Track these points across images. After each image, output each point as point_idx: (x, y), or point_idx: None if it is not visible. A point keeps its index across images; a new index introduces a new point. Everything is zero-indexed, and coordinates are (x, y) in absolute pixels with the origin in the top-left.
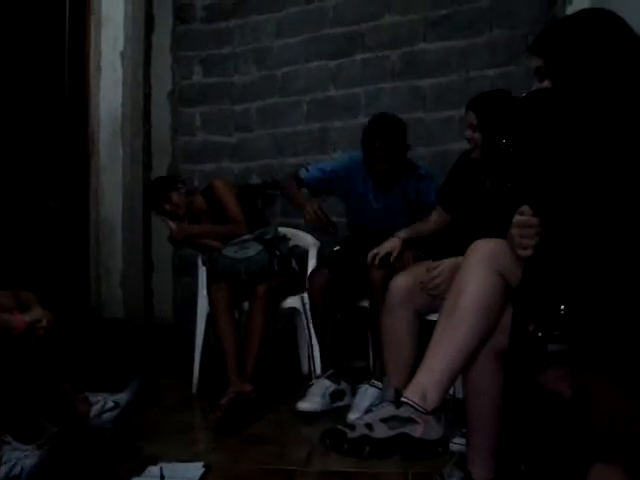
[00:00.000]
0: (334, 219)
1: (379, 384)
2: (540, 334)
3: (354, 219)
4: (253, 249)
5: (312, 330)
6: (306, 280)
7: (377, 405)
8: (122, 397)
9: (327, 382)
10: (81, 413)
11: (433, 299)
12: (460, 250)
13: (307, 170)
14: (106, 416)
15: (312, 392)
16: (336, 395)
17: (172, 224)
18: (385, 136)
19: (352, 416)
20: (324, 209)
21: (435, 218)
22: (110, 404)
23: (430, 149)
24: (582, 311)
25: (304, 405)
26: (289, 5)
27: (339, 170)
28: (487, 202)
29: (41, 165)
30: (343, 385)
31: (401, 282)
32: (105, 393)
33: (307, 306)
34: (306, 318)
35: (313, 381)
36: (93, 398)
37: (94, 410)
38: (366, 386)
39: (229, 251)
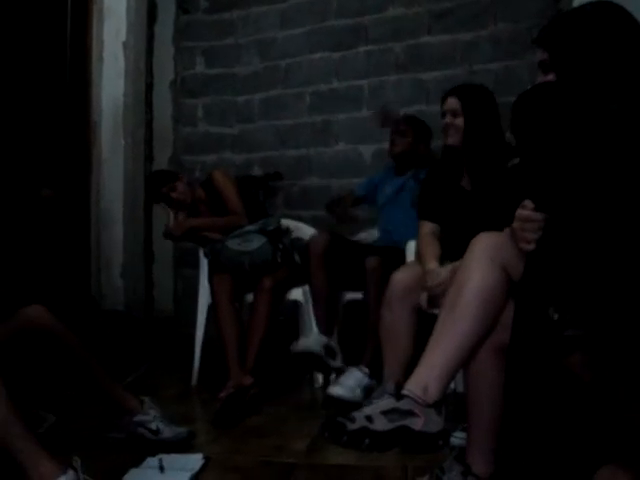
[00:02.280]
0: None
1: (366, 370)
2: (556, 316)
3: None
4: (257, 241)
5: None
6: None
7: (377, 398)
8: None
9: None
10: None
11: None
12: (451, 254)
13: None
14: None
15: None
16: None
17: (172, 218)
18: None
19: (333, 390)
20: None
21: (425, 231)
22: (154, 427)
23: (433, 143)
24: (593, 302)
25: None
26: None
27: (374, 178)
28: (467, 203)
29: (41, 154)
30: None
31: (401, 277)
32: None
33: (309, 298)
34: (308, 310)
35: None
36: (148, 406)
37: (139, 418)
38: (354, 369)
39: (232, 243)
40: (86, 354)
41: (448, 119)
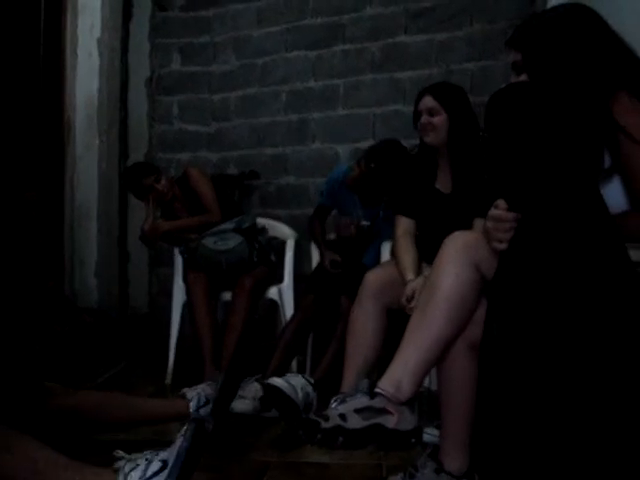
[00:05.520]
0: None
1: (311, 380)
2: None
3: None
4: (233, 240)
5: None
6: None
7: (351, 396)
8: (210, 392)
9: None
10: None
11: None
12: (427, 256)
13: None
14: (203, 411)
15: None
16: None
17: (149, 214)
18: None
19: (275, 381)
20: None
21: (401, 232)
22: (203, 400)
23: (409, 142)
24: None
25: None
26: None
27: (329, 185)
28: (443, 205)
29: (17, 153)
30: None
31: (374, 276)
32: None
33: (284, 298)
34: (284, 310)
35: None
36: (189, 394)
37: (192, 406)
38: (298, 375)
39: (209, 242)
40: (121, 412)
41: (424, 119)
